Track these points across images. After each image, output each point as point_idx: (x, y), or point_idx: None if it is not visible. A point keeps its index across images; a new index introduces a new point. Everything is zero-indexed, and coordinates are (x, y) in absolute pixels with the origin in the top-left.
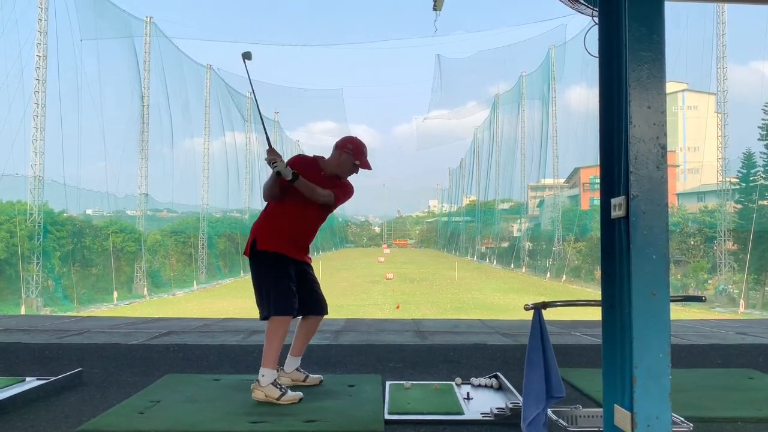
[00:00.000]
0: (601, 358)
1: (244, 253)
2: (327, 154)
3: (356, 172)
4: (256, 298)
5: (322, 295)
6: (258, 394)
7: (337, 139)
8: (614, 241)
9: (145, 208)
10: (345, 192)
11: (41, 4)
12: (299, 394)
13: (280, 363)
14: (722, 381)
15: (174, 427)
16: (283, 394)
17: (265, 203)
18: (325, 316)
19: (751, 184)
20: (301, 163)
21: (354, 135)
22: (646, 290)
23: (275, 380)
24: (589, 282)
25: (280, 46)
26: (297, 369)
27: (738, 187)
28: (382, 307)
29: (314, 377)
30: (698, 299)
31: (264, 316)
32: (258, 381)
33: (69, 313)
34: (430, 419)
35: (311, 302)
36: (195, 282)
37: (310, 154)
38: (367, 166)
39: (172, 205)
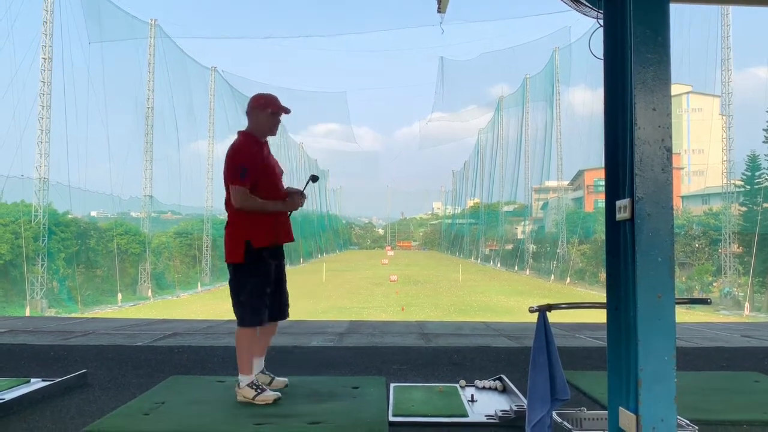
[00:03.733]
0: (606, 361)
1: (229, 261)
2: (331, 155)
3: (279, 121)
4: (233, 304)
5: (286, 299)
6: (238, 397)
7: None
8: (619, 244)
9: (150, 210)
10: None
11: (46, 6)
12: (275, 394)
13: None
14: (727, 384)
15: (178, 429)
16: (257, 394)
17: (228, 213)
18: (329, 318)
19: (756, 187)
20: (248, 149)
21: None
22: (651, 293)
23: (252, 382)
24: (594, 284)
25: (283, 38)
26: (263, 371)
27: (743, 189)
28: (386, 309)
29: (280, 380)
30: (703, 302)
31: (239, 324)
32: (237, 384)
33: (73, 315)
34: (434, 421)
35: (275, 307)
36: (199, 284)
37: (234, 138)
38: (281, 109)
39: (176, 207)
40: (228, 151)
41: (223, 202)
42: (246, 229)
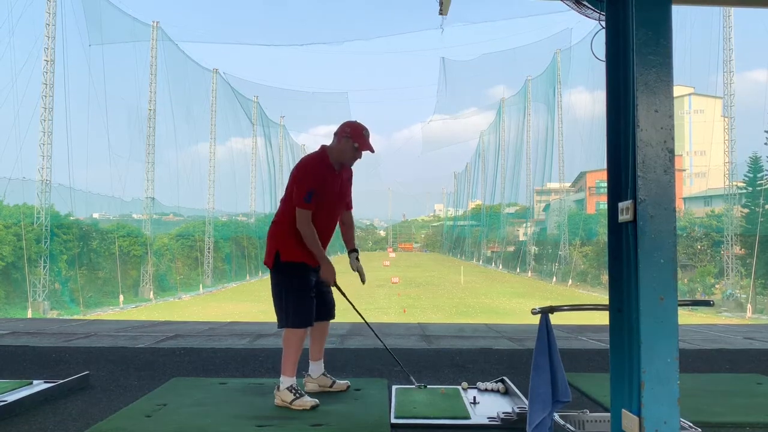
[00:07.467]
0: (608, 363)
1: (265, 263)
2: None
3: (359, 157)
4: (275, 306)
5: (333, 300)
6: (276, 400)
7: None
8: (621, 246)
9: (152, 212)
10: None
11: (49, 9)
12: (314, 401)
13: (306, 369)
14: (730, 386)
15: (180, 431)
16: (295, 398)
17: (280, 208)
18: (331, 320)
19: (758, 188)
20: (319, 173)
21: (354, 119)
22: (654, 295)
23: (291, 385)
24: (596, 286)
25: (287, 46)
26: (323, 374)
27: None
28: (387, 311)
29: (341, 383)
30: (706, 304)
31: (281, 326)
32: (277, 387)
33: (75, 317)
34: (436, 423)
35: (321, 308)
36: (201, 285)
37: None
38: (367, 148)
39: (178, 209)
40: (301, 163)
41: (279, 200)
42: (280, 240)
